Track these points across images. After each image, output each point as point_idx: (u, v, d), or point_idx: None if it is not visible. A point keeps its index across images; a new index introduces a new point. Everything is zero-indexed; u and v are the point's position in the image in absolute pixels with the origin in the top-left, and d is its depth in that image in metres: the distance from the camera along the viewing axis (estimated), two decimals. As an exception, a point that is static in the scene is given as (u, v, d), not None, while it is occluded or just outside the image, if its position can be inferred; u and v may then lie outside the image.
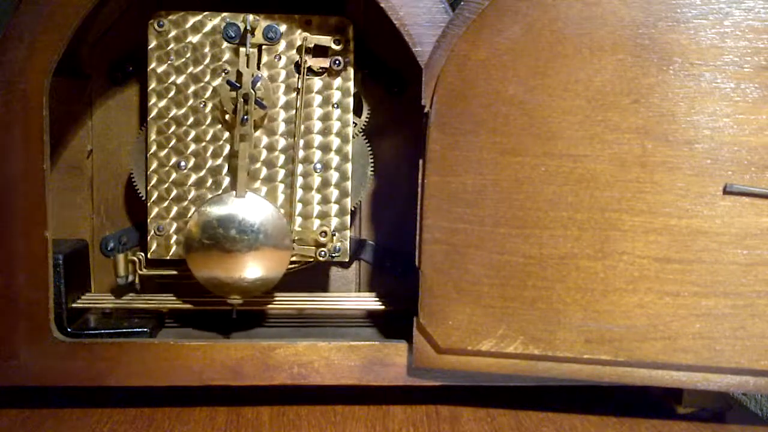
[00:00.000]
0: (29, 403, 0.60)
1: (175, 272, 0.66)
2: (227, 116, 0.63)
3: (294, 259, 0.63)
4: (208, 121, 0.64)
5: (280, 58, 0.63)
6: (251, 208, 0.61)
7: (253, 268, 0.60)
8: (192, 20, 0.63)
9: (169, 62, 0.63)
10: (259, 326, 0.67)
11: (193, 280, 0.62)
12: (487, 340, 0.57)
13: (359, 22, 0.66)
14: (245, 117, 0.61)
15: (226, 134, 0.64)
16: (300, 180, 0.65)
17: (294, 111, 0.64)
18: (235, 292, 0.62)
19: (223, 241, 0.60)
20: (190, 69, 0.63)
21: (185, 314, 0.69)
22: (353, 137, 0.66)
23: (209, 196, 0.64)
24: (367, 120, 0.68)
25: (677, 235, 0.55)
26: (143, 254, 0.66)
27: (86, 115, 0.68)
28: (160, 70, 0.63)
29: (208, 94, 0.63)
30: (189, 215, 0.64)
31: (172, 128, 0.64)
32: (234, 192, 0.62)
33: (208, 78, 0.63)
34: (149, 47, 0.63)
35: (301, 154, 0.64)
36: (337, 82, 0.64)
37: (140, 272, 0.65)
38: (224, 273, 0.61)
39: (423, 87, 0.56)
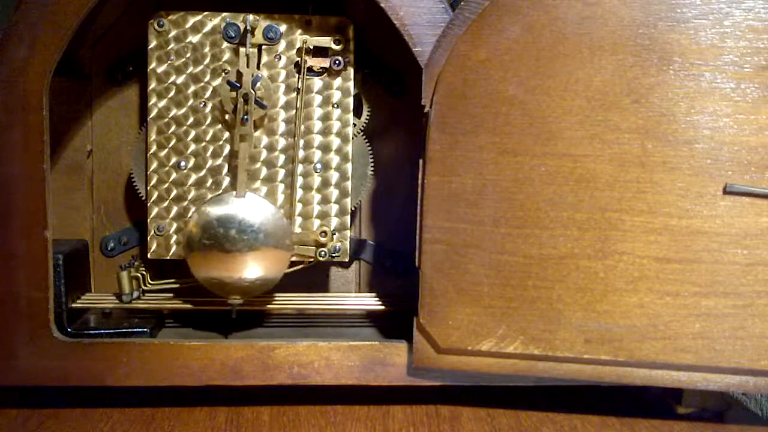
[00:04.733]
0: (29, 403, 0.60)
1: (179, 285, 0.66)
2: (227, 116, 0.63)
3: (294, 259, 0.63)
4: (208, 121, 0.64)
5: (280, 58, 0.63)
6: (251, 208, 0.61)
7: (253, 268, 0.60)
8: (192, 20, 0.63)
9: (169, 62, 0.63)
10: (259, 326, 0.67)
11: (197, 283, 0.62)
12: (487, 340, 0.57)
13: (359, 22, 0.66)
14: (245, 117, 0.61)
15: (226, 134, 0.64)
16: (300, 180, 0.65)
17: (294, 111, 0.64)
18: (235, 293, 0.62)
19: (223, 241, 0.60)
20: (190, 69, 0.63)
21: (186, 314, 0.69)
22: (353, 137, 0.66)
23: (209, 196, 0.64)
24: (367, 120, 0.68)
25: (677, 235, 0.55)
26: (145, 270, 0.66)
27: (86, 115, 0.68)
28: (160, 70, 0.63)
29: (208, 94, 0.63)
30: (189, 215, 0.64)
31: (172, 128, 0.64)
32: (234, 192, 0.62)
33: (208, 78, 0.63)
34: (149, 47, 0.63)
35: (301, 154, 0.65)
36: (337, 82, 0.64)
37: (144, 287, 0.66)
38: (224, 273, 0.61)
39: (423, 87, 0.56)
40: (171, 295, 0.67)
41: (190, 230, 0.61)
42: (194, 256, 0.61)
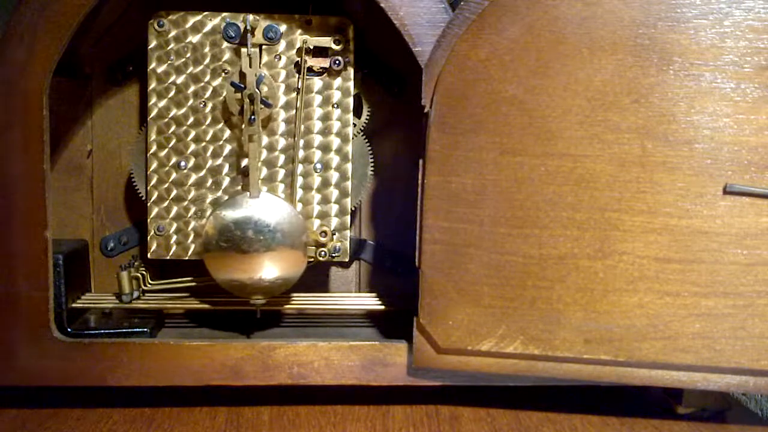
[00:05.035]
0: (29, 403, 0.60)
1: (179, 285, 0.66)
2: (233, 117, 0.63)
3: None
4: (208, 121, 0.64)
5: (280, 58, 0.63)
6: (266, 207, 0.61)
7: (271, 268, 0.60)
8: (192, 20, 0.63)
9: (169, 62, 0.63)
10: (260, 327, 0.67)
11: (197, 284, 0.62)
12: (487, 340, 0.57)
13: (359, 22, 0.66)
14: (252, 117, 0.61)
15: (227, 134, 0.64)
16: (300, 180, 0.65)
17: (294, 111, 0.64)
18: (256, 293, 0.62)
19: (241, 243, 0.60)
20: (190, 69, 0.63)
21: (189, 314, 0.69)
22: (353, 137, 0.66)
23: (209, 196, 0.64)
24: (367, 120, 0.68)
25: (677, 235, 0.55)
26: (145, 270, 0.66)
27: (86, 115, 0.68)
28: (160, 70, 0.63)
29: (208, 94, 0.63)
30: (189, 215, 0.64)
31: (172, 128, 0.64)
32: (248, 193, 0.62)
33: (208, 78, 0.63)
34: (149, 47, 0.63)
35: (301, 154, 0.65)
36: (337, 82, 0.64)
37: (144, 287, 0.66)
38: (244, 274, 0.60)
39: (423, 87, 0.56)
40: (171, 295, 0.67)
41: (206, 233, 0.61)
42: (212, 258, 0.61)
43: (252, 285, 0.61)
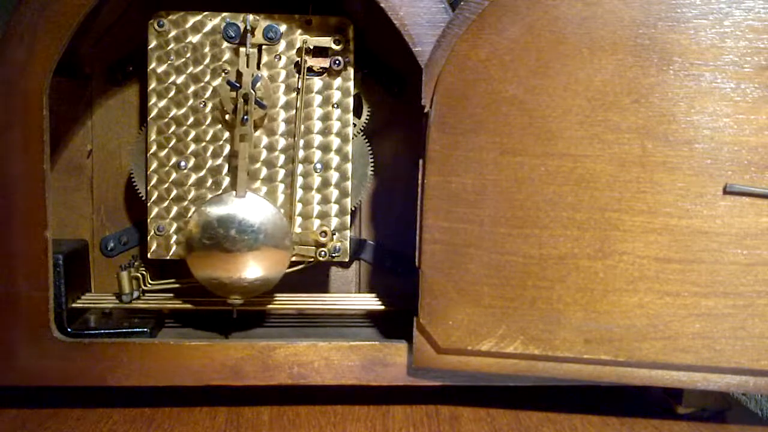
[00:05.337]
0: (29, 403, 0.60)
1: (179, 285, 0.66)
2: (227, 116, 0.63)
3: (294, 259, 0.63)
4: (208, 121, 0.64)
5: (280, 58, 0.63)
6: (251, 208, 0.61)
7: (253, 268, 0.60)
8: (192, 20, 0.63)
9: (169, 62, 0.63)
10: (259, 326, 0.67)
11: (197, 284, 0.62)
12: (487, 340, 0.57)
13: (359, 22, 0.66)
14: (245, 117, 0.61)
15: (226, 134, 0.64)
16: (300, 180, 0.65)
17: (294, 111, 0.64)
18: (235, 292, 0.62)
19: (223, 241, 0.60)
20: (190, 69, 0.63)
21: (186, 314, 0.69)
22: (353, 137, 0.66)
23: (209, 196, 0.64)
24: (367, 120, 0.68)
25: (677, 235, 0.55)
26: (145, 270, 0.66)
27: (86, 115, 0.68)
28: (160, 70, 0.63)
29: (208, 94, 0.63)
30: (189, 215, 0.64)
31: (172, 128, 0.64)
32: (234, 192, 0.62)
33: (208, 78, 0.63)
34: (149, 47, 0.63)
35: (301, 154, 0.65)
36: (337, 82, 0.64)
37: (145, 287, 0.66)
38: (224, 273, 0.60)
39: (423, 87, 0.56)
40: (171, 295, 0.67)
41: (190, 230, 0.61)
42: (194, 256, 0.61)
43: (231, 284, 0.61)
